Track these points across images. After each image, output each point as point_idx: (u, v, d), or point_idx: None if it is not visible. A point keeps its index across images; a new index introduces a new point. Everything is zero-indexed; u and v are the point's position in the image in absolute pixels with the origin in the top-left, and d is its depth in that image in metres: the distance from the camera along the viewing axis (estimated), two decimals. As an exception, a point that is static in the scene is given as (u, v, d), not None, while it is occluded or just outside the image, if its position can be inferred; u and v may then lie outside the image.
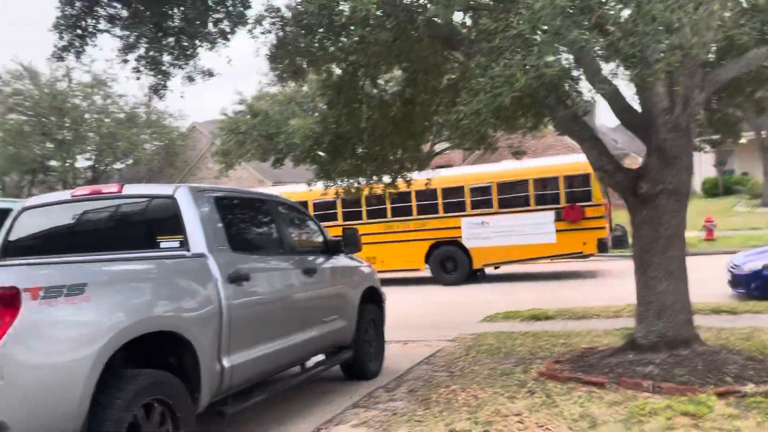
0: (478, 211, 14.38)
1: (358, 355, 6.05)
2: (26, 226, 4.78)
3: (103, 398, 3.10)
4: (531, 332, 7.75)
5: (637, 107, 5.61)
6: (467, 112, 4.47)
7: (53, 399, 2.89)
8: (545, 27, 4.05)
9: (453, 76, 7.18)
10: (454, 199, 14.58)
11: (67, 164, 32.70)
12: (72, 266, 3.30)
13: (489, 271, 15.68)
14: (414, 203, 14.67)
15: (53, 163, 32.92)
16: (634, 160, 24.82)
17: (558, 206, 13.82)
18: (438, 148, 23.93)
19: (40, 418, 2.85)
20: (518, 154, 12.88)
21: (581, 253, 13.97)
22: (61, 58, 7.48)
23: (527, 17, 4.05)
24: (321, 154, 8.34)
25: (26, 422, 2.79)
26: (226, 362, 4.05)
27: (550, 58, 4.02)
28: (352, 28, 5.37)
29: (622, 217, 11.53)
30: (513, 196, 14.32)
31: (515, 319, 8.95)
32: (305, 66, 6.72)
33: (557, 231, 13.76)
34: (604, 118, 51.86)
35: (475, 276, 14.87)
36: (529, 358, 6.31)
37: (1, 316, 2.71)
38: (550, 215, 13.81)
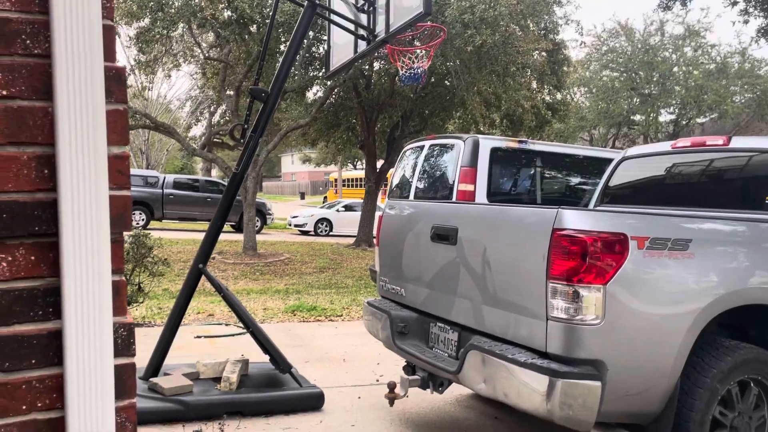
0: None
1: None
2: (624, 174, 4.93)
3: (698, 363, 2.93)
4: None
5: None
6: None
7: (649, 350, 2.86)
8: None
9: None
10: None
11: (650, 118, 33.44)
12: (678, 220, 3.17)
13: None
14: None
15: (637, 117, 34.13)
16: None
17: None
18: None
19: (636, 367, 2.86)
20: None
21: None
22: (668, 8, 7.38)
23: None
24: None
25: (623, 367, 2.82)
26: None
27: None
28: None
29: None
30: None
31: None
32: None
33: None
34: None
35: None
36: None
37: (609, 259, 2.79)
38: None
